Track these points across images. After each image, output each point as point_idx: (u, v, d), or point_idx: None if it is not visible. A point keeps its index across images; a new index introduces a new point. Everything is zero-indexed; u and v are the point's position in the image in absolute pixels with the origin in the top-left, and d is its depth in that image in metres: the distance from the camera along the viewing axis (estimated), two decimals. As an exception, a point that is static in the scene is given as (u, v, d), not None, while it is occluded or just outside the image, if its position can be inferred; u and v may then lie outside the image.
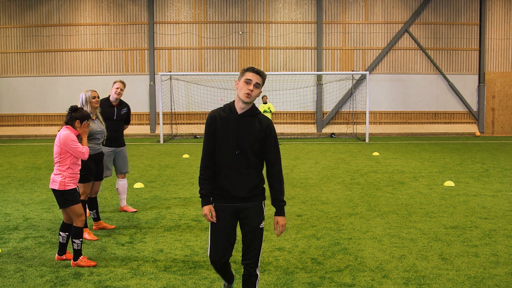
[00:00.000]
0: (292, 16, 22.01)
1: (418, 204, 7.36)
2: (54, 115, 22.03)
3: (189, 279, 4.38)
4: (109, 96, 6.77)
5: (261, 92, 3.36)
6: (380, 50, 22.04)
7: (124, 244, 5.45)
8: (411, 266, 4.65)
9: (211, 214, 3.34)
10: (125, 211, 7.06)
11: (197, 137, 20.69)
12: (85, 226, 5.75)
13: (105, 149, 6.55)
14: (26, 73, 22.12)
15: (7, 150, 16.17)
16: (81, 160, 5.70)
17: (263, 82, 3.33)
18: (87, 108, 5.75)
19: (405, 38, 22.11)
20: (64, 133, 4.69)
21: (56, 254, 4.93)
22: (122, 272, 4.56)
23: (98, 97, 5.90)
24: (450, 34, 22.11)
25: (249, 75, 3.27)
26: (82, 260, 4.71)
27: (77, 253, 4.72)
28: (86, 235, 5.66)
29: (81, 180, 5.64)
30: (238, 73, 22.59)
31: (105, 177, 6.59)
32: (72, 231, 4.73)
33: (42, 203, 7.54)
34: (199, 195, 3.38)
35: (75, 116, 4.78)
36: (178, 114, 21.91)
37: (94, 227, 6.09)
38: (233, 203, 3.34)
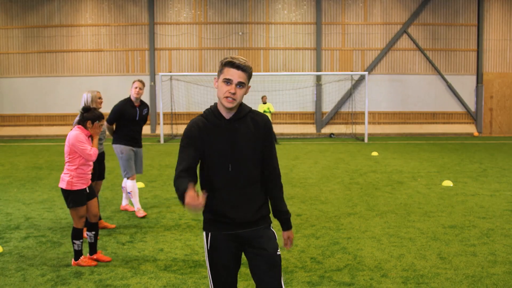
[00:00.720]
0: (292, 17, 22.05)
1: (416, 203, 7.40)
2: (55, 115, 22.05)
3: (189, 278, 4.41)
4: (129, 96, 6.64)
5: (249, 88, 2.66)
6: (379, 51, 22.09)
7: (125, 243, 5.49)
8: (410, 265, 4.69)
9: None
10: (126, 210, 7.09)
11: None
12: (86, 225, 5.78)
13: (126, 149, 6.56)
14: (28, 73, 22.16)
15: (8, 150, 16.20)
16: None
17: (249, 77, 2.60)
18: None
19: (404, 38, 22.15)
20: (74, 133, 4.70)
21: (87, 254, 4.91)
22: (123, 271, 4.60)
23: (101, 97, 5.96)
24: (448, 35, 22.16)
25: (229, 73, 2.54)
26: (82, 260, 4.74)
27: (78, 254, 4.75)
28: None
29: None
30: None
31: (137, 173, 6.85)
32: (72, 232, 4.75)
33: (43, 203, 7.57)
34: (178, 196, 2.49)
35: (87, 116, 4.77)
36: (178, 114, 21.94)
37: (95, 227, 6.12)
38: (235, 230, 2.63)
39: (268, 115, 17.28)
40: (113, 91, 21.22)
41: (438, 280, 4.30)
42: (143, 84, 6.68)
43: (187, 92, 21.80)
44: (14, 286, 4.23)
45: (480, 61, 22.09)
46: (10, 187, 8.97)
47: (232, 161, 2.61)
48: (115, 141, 6.64)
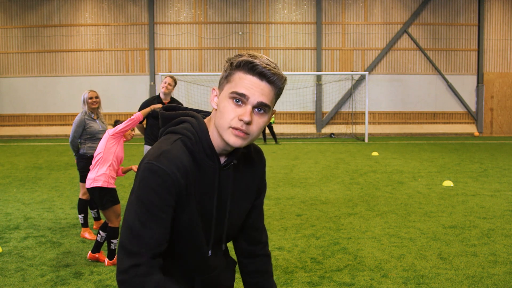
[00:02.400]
0: (292, 17, 22.04)
1: (417, 203, 7.38)
2: (55, 115, 22.04)
3: (189, 278, 4.40)
4: (159, 94, 6.37)
5: (274, 112, 1.53)
6: (379, 51, 22.07)
7: (125, 243, 5.47)
8: (410, 266, 4.68)
9: None
10: None
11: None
12: (86, 225, 5.78)
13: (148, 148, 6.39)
14: (27, 73, 22.14)
15: (8, 150, 16.19)
16: (83, 160, 5.74)
17: (278, 96, 1.47)
18: (85, 108, 5.74)
19: (404, 38, 22.14)
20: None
21: (90, 252, 4.93)
22: (123, 271, 4.58)
23: (97, 97, 5.83)
24: (449, 35, 22.14)
25: (243, 83, 1.38)
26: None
27: (113, 253, 4.77)
28: (87, 234, 5.68)
29: (83, 180, 5.67)
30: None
31: None
32: (110, 232, 4.74)
33: (42, 203, 7.56)
34: None
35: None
36: (178, 114, 21.93)
37: (94, 227, 6.11)
38: None
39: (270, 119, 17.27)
40: (113, 91, 21.22)
41: (439, 281, 4.29)
42: (174, 80, 6.31)
43: (187, 92, 21.78)
44: (14, 286, 4.22)
45: (481, 61, 22.08)
46: (9, 187, 8.96)
47: (216, 239, 1.59)
48: (144, 141, 6.44)
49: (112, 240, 4.76)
